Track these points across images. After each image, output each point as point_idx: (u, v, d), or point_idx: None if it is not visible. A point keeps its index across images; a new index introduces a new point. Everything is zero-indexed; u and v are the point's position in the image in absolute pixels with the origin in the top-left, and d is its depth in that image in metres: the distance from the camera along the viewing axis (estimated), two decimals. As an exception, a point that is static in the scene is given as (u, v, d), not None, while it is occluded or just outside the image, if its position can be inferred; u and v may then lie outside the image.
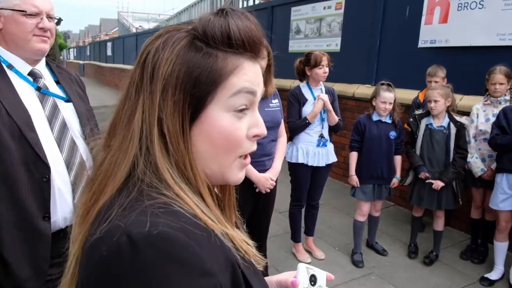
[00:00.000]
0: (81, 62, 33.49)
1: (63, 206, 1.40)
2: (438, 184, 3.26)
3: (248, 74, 0.63)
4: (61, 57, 10.71)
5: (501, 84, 3.27)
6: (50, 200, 1.36)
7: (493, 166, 3.31)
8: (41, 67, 1.50)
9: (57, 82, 1.55)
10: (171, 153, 0.60)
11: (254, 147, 0.67)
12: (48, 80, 1.50)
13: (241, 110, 0.63)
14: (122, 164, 0.60)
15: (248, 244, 0.70)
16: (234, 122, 0.62)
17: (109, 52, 22.84)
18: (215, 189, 0.75)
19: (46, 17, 1.43)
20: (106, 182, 0.61)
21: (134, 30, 30.52)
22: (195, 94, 0.60)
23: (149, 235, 0.50)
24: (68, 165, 1.41)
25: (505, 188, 3.08)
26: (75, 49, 42.46)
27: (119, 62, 19.91)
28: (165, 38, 0.62)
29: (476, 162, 3.37)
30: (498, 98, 3.30)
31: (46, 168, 1.33)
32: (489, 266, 3.37)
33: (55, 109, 1.44)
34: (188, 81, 0.59)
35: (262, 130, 0.66)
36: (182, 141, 0.60)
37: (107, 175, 0.61)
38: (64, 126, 1.44)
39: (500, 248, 3.23)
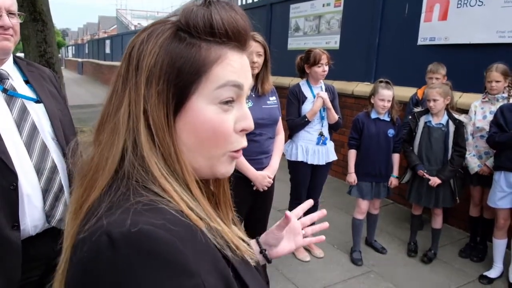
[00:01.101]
0: (79, 60, 33.46)
1: (33, 213, 1.34)
2: (435, 181, 3.26)
3: (233, 65, 0.62)
4: (59, 55, 10.66)
5: (497, 82, 3.26)
6: (18, 208, 1.29)
7: (488, 162, 3.31)
8: (8, 66, 1.42)
9: (27, 82, 1.46)
10: (158, 145, 0.59)
11: (244, 142, 0.66)
12: (16, 81, 1.42)
13: (227, 102, 0.62)
14: (110, 158, 0.59)
15: (243, 240, 0.69)
16: (219, 114, 0.61)
17: (107, 50, 22.79)
18: (211, 186, 0.74)
19: (7, 13, 1.35)
20: (97, 177, 0.60)
21: (132, 28, 30.48)
22: (178, 84, 0.59)
23: (128, 234, 0.48)
24: (38, 170, 1.35)
25: (503, 186, 3.07)
26: (73, 47, 42.39)
27: (118, 60, 19.81)
28: (150, 31, 0.62)
29: (473, 159, 3.37)
30: (496, 96, 3.29)
31: (13, 175, 1.27)
32: (488, 264, 3.36)
33: (23, 112, 1.36)
34: (172, 71, 0.59)
35: (250, 124, 0.65)
36: (168, 133, 0.60)
37: (97, 169, 0.60)
38: (34, 129, 1.37)
39: (499, 246, 3.23)
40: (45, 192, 1.37)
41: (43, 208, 1.37)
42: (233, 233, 0.65)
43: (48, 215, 1.38)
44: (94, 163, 0.61)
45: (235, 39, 0.63)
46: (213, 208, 0.67)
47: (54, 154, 1.41)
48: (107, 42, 23.14)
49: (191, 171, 0.62)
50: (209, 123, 0.61)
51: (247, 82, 0.65)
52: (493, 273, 3.24)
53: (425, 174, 3.28)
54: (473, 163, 3.37)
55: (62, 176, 1.42)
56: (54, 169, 1.39)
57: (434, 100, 3.21)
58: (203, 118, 0.61)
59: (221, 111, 0.62)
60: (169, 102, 0.60)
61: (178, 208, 0.57)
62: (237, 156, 0.66)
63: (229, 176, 0.71)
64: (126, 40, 18.85)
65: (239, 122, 0.64)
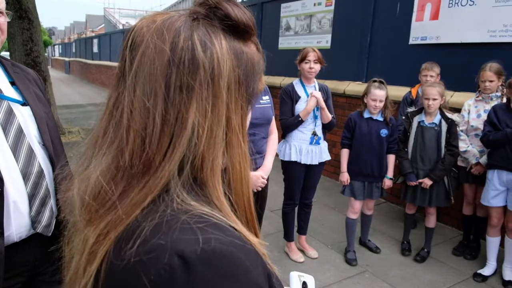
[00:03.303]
0: (66, 59, 33.09)
1: (18, 219, 1.29)
2: (425, 183, 3.28)
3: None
4: (45, 54, 10.50)
5: (491, 81, 3.27)
6: (3, 214, 1.23)
7: (481, 160, 3.32)
8: None
9: (12, 83, 1.40)
10: (227, 153, 0.56)
11: None
12: (2, 83, 1.36)
13: None
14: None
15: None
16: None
17: (95, 49, 22.54)
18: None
19: None
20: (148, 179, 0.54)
21: (120, 27, 30.21)
22: (250, 87, 0.58)
23: (203, 254, 0.45)
24: (25, 175, 1.29)
25: (496, 184, 3.09)
26: (60, 46, 41.85)
27: (106, 59, 19.65)
28: (200, 35, 0.54)
29: (473, 150, 3.37)
30: (490, 95, 3.31)
31: (0, 180, 1.22)
32: (482, 262, 3.38)
33: (10, 114, 1.30)
34: (247, 74, 0.57)
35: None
36: (242, 139, 0.57)
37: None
38: (20, 133, 1.31)
39: (492, 243, 3.25)
40: (31, 197, 1.31)
41: (29, 214, 1.31)
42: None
43: (34, 221, 1.33)
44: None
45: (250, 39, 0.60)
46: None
47: (41, 158, 1.36)
48: (95, 41, 22.89)
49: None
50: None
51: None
52: (487, 270, 3.26)
53: (416, 183, 3.32)
54: (472, 155, 3.37)
55: (48, 181, 1.37)
56: (40, 173, 1.34)
57: (434, 99, 3.21)
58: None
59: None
60: (243, 108, 0.57)
61: (229, 223, 0.53)
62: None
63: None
64: (114, 39, 18.67)
65: None
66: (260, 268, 0.51)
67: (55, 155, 1.41)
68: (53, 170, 1.39)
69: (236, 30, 0.56)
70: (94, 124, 0.59)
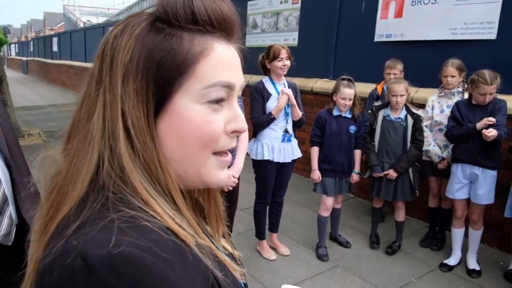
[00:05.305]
0: (24, 58, 31.79)
1: None
2: (390, 174, 3.35)
3: (222, 61, 0.55)
4: (1, 53, 10.00)
5: (452, 76, 3.37)
6: None
7: (445, 154, 3.43)
8: None
9: None
10: (138, 151, 0.52)
11: (233, 143, 0.59)
12: None
13: (217, 101, 0.55)
14: (83, 170, 0.51)
15: (232, 255, 0.63)
16: (207, 114, 0.54)
17: (55, 48, 21.71)
18: (199, 198, 0.67)
19: None
20: (66, 192, 0.51)
21: (81, 25, 29.30)
22: (159, 81, 0.52)
23: (108, 257, 0.42)
24: None
25: (460, 177, 3.19)
26: (16, 45, 40.08)
27: (67, 59, 18.95)
28: (124, 24, 0.55)
29: (434, 149, 3.47)
30: (452, 90, 3.41)
31: None
32: (447, 252, 3.49)
33: None
34: (150, 66, 0.52)
35: (242, 125, 0.58)
36: (149, 136, 0.52)
37: (66, 183, 0.52)
38: None
39: (457, 234, 3.36)
40: None
41: None
42: (221, 249, 0.59)
43: None
44: (62, 176, 0.53)
45: (221, 28, 0.56)
46: (203, 222, 0.62)
47: None
48: (54, 39, 22.04)
49: (176, 180, 0.55)
50: (195, 124, 0.54)
51: (239, 80, 0.58)
52: (452, 260, 3.37)
53: (381, 174, 3.39)
54: (434, 154, 3.48)
55: (5, 187, 1.27)
56: None
57: (401, 95, 3.27)
58: (188, 119, 0.54)
59: (210, 111, 0.55)
60: (149, 101, 0.52)
61: (164, 224, 0.49)
62: (226, 160, 0.60)
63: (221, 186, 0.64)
64: (75, 37, 18.05)
65: (230, 123, 0.58)
66: (189, 276, 0.47)
67: (12, 159, 1.31)
68: (11, 175, 1.29)
69: (164, 20, 0.54)
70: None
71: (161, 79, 0.52)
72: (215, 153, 0.57)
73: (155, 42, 0.53)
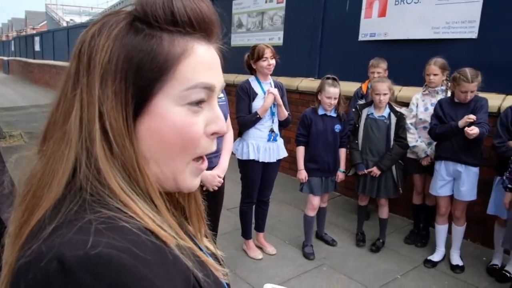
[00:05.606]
0: (5, 58, 31.20)
1: None
2: (374, 171, 3.38)
3: (203, 62, 0.55)
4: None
5: (435, 75, 3.41)
6: None
7: (429, 151, 3.47)
8: None
9: None
10: (116, 153, 0.51)
11: (213, 146, 0.59)
12: None
13: (197, 103, 0.55)
14: (59, 172, 0.50)
15: (215, 255, 0.63)
16: (187, 117, 0.54)
17: (37, 47, 21.35)
18: (180, 198, 0.67)
19: None
20: (41, 194, 0.50)
21: (64, 24, 28.87)
22: (138, 82, 0.51)
23: (85, 259, 0.41)
24: None
25: (444, 174, 3.23)
26: (-3, 44, 39.22)
27: (49, 58, 18.63)
28: (102, 23, 0.54)
29: (421, 145, 3.52)
30: (436, 89, 3.46)
31: None
32: (432, 249, 3.54)
33: None
34: (129, 68, 0.51)
35: (222, 126, 0.58)
36: (128, 139, 0.51)
37: (42, 185, 0.51)
38: None
39: (440, 231, 3.40)
40: None
41: None
42: (204, 249, 0.58)
43: None
44: (37, 178, 0.52)
45: (201, 28, 0.55)
46: (184, 222, 0.61)
47: None
48: (37, 39, 21.67)
49: (155, 183, 0.55)
50: (176, 127, 0.53)
51: (219, 81, 0.58)
52: (436, 256, 3.41)
53: (365, 172, 3.43)
54: (421, 150, 3.51)
55: None
56: None
57: (384, 94, 3.30)
58: (169, 122, 0.53)
59: (191, 113, 0.54)
60: (128, 103, 0.51)
61: (143, 226, 0.49)
62: (202, 168, 0.60)
63: (200, 187, 0.63)
64: (58, 37, 17.77)
65: (211, 124, 0.57)
66: (168, 276, 0.47)
67: None
68: None
69: (143, 20, 0.53)
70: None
71: (141, 81, 0.52)
72: (194, 159, 0.57)
73: (134, 42, 0.52)
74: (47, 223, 0.46)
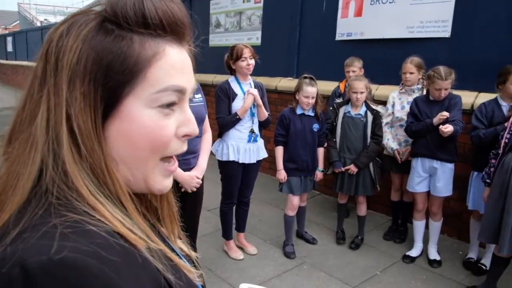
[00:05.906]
0: (-24, 59, 30.17)
1: None
2: (351, 169, 3.41)
3: (174, 64, 0.54)
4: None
5: (411, 73, 3.47)
6: None
7: (395, 145, 3.56)
8: None
9: None
10: (85, 156, 0.50)
11: (184, 147, 0.59)
12: None
13: (168, 106, 0.54)
14: (24, 174, 0.49)
15: (189, 256, 0.62)
16: (158, 119, 0.53)
17: (9, 48, 20.76)
18: (152, 200, 0.66)
19: None
20: (4, 199, 0.49)
21: (38, 24, 28.13)
22: (108, 84, 0.51)
23: (49, 264, 0.40)
24: None
25: (420, 171, 3.29)
26: (-32, 45, 37.94)
27: (22, 59, 18.13)
28: (70, 23, 0.52)
29: (388, 143, 3.59)
30: (412, 87, 3.51)
31: None
32: (410, 244, 3.60)
33: None
34: (98, 69, 0.50)
35: (194, 128, 0.58)
36: (96, 141, 0.51)
37: (6, 189, 0.50)
38: None
39: (418, 226, 3.47)
40: None
41: None
42: (177, 251, 0.58)
43: None
44: (1, 181, 0.50)
45: (172, 31, 0.55)
46: (158, 223, 0.60)
47: None
48: (9, 39, 21.07)
49: (124, 185, 0.54)
50: (146, 129, 0.53)
51: (190, 83, 0.57)
52: (414, 252, 3.47)
53: (342, 169, 3.46)
54: (389, 147, 3.60)
55: None
56: None
57: (361, 92, 3.33)
58: (139, 124, 0.52)
59: (161, 116, 0.54)
60: (97, 105, 0.50)
61: (112, 229, 0.48)
62: (172, 169, 0.59)
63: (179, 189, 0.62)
64: (31, 37, 17.33)
65: (182, 127, 0.57)
66: (137, 280, 0.46)
67: None
68: None
69: (113, 21, 0.52)
70: None
71: (110, 83, 0.51)
72: (163, 159, 0.57)
73: (104, 44, 0.51)
74: (11, 228, 0.45)
